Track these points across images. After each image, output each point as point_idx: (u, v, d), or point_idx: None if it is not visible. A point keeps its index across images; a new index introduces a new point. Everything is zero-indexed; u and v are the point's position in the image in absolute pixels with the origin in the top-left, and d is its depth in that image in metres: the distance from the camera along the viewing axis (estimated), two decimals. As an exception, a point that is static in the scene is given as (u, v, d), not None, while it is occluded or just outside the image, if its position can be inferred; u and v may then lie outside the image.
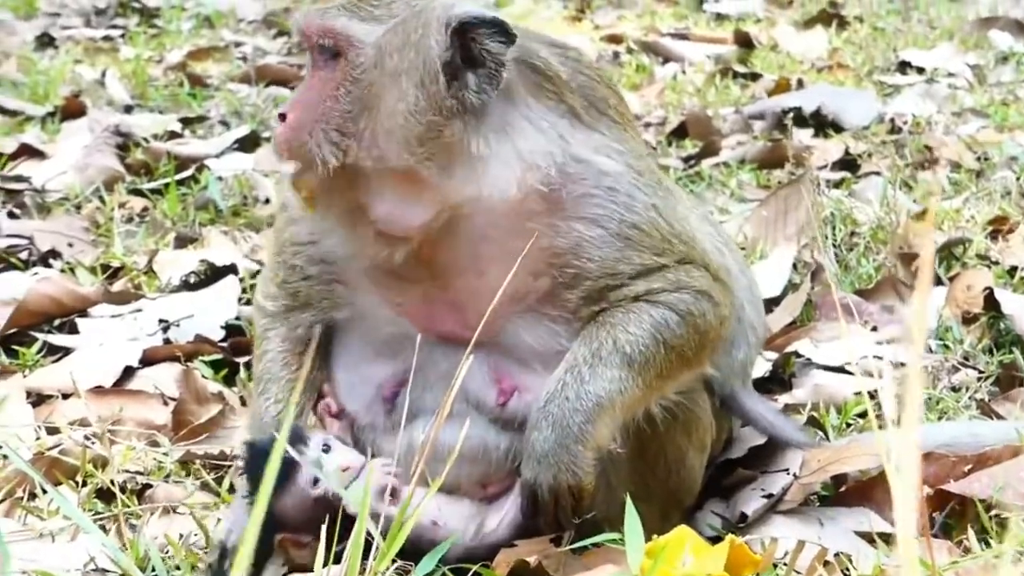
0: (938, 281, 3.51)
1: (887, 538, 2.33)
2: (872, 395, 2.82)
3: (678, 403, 2.28)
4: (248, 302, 3.42)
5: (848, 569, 2.25)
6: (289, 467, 2.14)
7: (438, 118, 2.08)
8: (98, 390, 2.98)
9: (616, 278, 2.18)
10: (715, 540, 2.23)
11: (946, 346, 3.23)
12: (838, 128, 5.12)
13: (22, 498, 2.53)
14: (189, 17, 7.16)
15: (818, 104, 5.17)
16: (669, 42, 6.55)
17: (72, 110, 5.20)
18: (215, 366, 3.15)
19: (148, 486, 2.62)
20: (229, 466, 2.68)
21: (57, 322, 3.35)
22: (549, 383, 2.16)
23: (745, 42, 6.53)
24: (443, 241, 2.16)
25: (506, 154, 2.13)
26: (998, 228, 3.87)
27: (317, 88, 2.12)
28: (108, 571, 2.28)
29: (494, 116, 2.12)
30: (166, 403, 2.95)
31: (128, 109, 5.42)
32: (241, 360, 3.14)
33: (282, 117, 2.14)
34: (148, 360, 3.15)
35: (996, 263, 3.67)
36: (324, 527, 1.87)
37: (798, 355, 3.18)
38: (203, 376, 3.06)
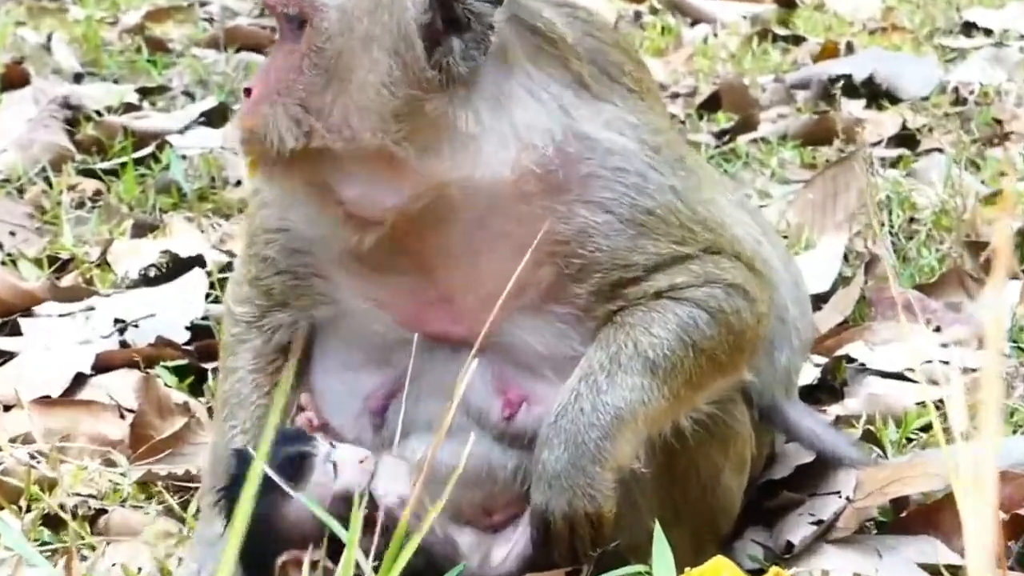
0: (1012, 274, 3.50)
1: (955, 571, 2.33)
2: (937, 405, 2.81)
3: (711, 415, 2.27)
4: (217, 299, 3.41)
5: (910, 606, 2.25)
6: (299, 466, 2.13)
7: (417, 91, 2.07)
8: (44, 401, 2.97)
9: (630, 270, 2.18)
10: (756, 573, 2.21)
11: (1021, 349, 3.22)
12: (894, 99, 5.11)
13: (-43, 525, 2.53)
14: (148, -28, 7.16)
15: (870, 71, 5.16)
16: (699, 0, 6.54)
17: (13, 79, 5.18)
18: (179, 373, 3.14)
19: (102, 511, 2.61)
20: (196, 488, 2.67)
21: (-3, 322, 3.35)
22: (561, 394, 2.16)
23: (787, 0, 6.52)
24: (428, 226, 2.16)
25: (501, 131, 2.12)
26: (1081, 212, 3.87)
27: (281, 60, 2.12)
28: (56, 609, 2.28)
29: (487, 86, 2.12)
30: (123, 416, 2.95)
31: (78, 78, 5.41)
32: (209, 366, 3.13)
33: (247, 92, 2.14)
34: (102, 366, 3.14)
35: (1080, 253, 3.66)
36: (342, 528, 1.86)
37: (850, 359, 3.17)
38: (166, 384, 3.06)
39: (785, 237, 3.73)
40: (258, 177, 2.17)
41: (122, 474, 2.75)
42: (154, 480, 2.73)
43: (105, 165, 4.43)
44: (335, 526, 1.73)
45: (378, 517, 2.05)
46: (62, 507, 2.58)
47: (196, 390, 3.11)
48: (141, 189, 4.26)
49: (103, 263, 3.73)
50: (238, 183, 4.32)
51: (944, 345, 3.19)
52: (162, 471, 2.74)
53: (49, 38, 5.80)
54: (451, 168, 2.11)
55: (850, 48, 5.68)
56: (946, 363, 3.03)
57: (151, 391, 2.95)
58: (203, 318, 3.36)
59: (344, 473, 2.13)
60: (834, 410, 2.99)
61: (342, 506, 2.08)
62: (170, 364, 3.16)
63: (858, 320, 3.40)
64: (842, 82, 5.16)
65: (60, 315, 3.35)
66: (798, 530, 2.44)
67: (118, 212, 4.08)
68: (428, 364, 2.22)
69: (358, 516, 1.66)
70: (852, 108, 5.03)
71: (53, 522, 2.56)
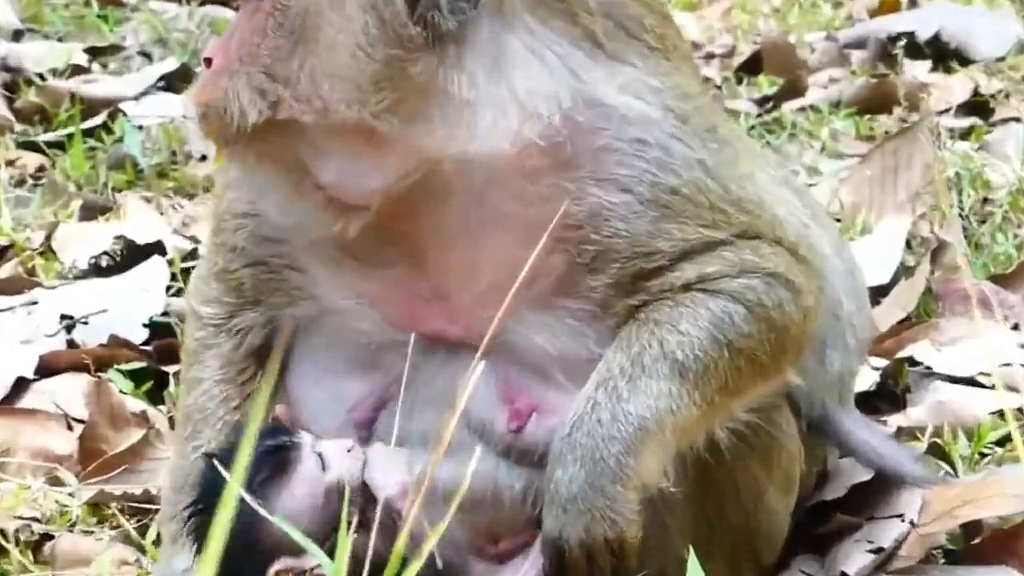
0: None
1: (1036, 606, 2.33)
2: (1016, 415, 2.81)
3: (752, 425, 2.27)
4: (179, 292, 3.42)
5: (984, 648, 2.25)
6: (282, 459, 2.14)
7: (398, 51, 2.07)
8: (-20, 409, 2.99)
9: (653, 259, 2.18)
10: (805, 609, 2.22)
11: (1113, 350, 3.22)
12: (964, 60, 5.10)
13: None
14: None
15: (937, 28, 5.16)
16: (737, -55, 6.54)
17: (-59, 37, 5.21)
18: (136, 377, 3.15)
19: (48, 537, 2.62)
20: (156, 510, 2.68)
21: (-75, 319, 3.37)
22: (576, 402, 2.16)
23: (839, -56, 6.52)
24: (419, 210, 2.16)
25: (500, 97, 2.12)
26: None
27: (244, 22, 2.12)
28: (-5, 649, 2.29)
29: (481, 44, 2.11)
30: (71, 426, 2.95)
31: (17, 35, 5.42)
32: (170, 369, 3.15)
33: (207, 62, 2.14)
34: (47, 369, 3.15)
35: None
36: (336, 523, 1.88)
37: (914, 362, 3.17)
38: (120, 390, 3.06)
39: (838, 220, 3.72)
40: (222, 158, 2.17)
41: (70, 494, 2.75)
42: (107, 501, 2.74)
43: (49, 137, 4.44)
44: (313, 548, 1.73)
45: (375, 514, 2.05)
46: (1, 532, 2.58)
47: (155, 397, 3.12)
48: (91, 165, 4.27)
49: (47, 250, 3.74)
50: (203, 158, 4.33)
51: (1023, 345, 3.19)
52: (116, 491, 2.75)
53: (-18, -10, 5.82)
54: (443, 142, 2.11)
55: (913, 1, 5.67)
56: (1026, 366, 3.04)
57: (103, 398, 2.95)
58: (163, 314, 3.37)
59: (334, 464, 2.14)
60: (895, 420, 2.99)
61: (337, 501, 2.09)
62: (125, 367, 3.17)
63: (923, 316, 3.40)
64: (904, 41, 5.16)
65: (-2, 310, 3.37)
66: (854, 559, 2.44)
67: (64, 191, 4.09)
68: (421, 369, 2.22)
69: (349, 511, 1.66)
70: (916, 71, 5.02)
71: (-9, 549, 2.58)
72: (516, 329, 2.20)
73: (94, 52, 5.20)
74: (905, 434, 2.92)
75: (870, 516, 2.53)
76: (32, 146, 4.40)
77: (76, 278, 3.59)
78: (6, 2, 5.69)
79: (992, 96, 4.76)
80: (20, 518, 2.67)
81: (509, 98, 2.12)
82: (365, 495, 2.12)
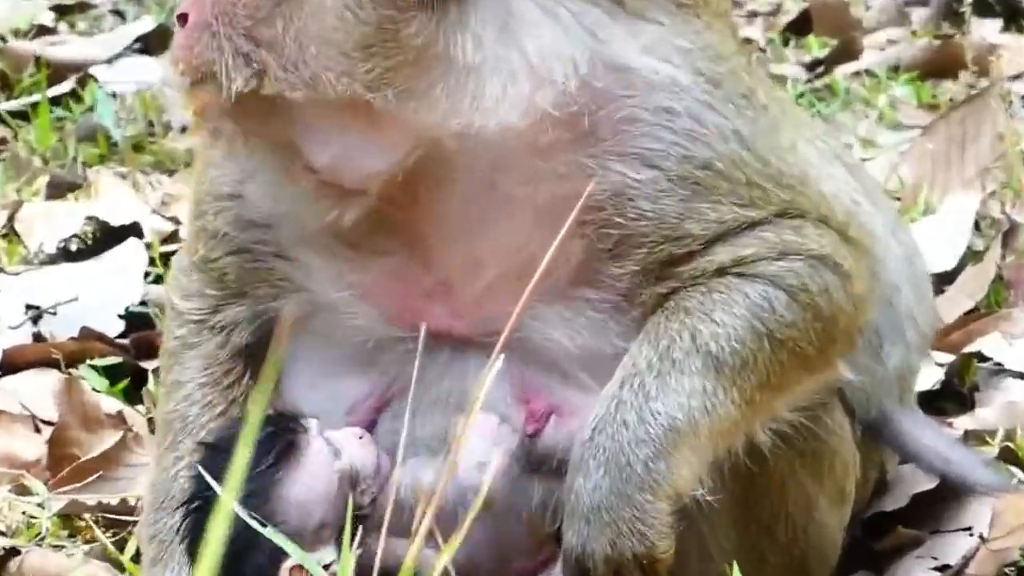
0: None
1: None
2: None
3: (798, 427, 2.28)
4: (158, 279, 3.43)
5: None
6: (289, 444, 2.16)
7: (390, 11, 2.07)
8: (-62, 410, 3.00)
9: (683, 243, 2.18)
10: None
11: None
12: (1040, 18, 5.11)
13: None
14: None
15: (1010, -19, 5.16)
16: None
17: None
18: (111, 373, 3.16)
19: (14, 552, 2.62)
20: (134, 522, 2.69)
21: None
22: (599, 402, 2.16)
23: None
24: (419, 193, 2.16)
25: (508, 61, 2.11)
26: None
27: None
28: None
29: (486, 2, 2.11)
30: (38, 429, 2.97)
31: (-24, -7, 5.44)
32: (149, 365, 3.16)
33: (181, 19, 2.13)
34: (11, 365, 3.17)
35: None
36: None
37: (983, 358, 3.18)
38: (94, 389, 3.08)
39: (897, 199, 3.72)
40: (203, 134, 2.18)
41: (39, 504, 2.77)
42: (80, 512, 2.75)
43: (11, 105, 4.45)
44: (309, 562, 1.75)
45: (386, 510, 2.06)
46: (-38, 546, 2.61)
47: (132, 396, 3.13)
48: (58, 137, 4.28)
49: (10, 232, 3.75)
50: (183, 129, 4.33)
51: (1105, 339, 3.21)
52: (90, 500, 2.76)
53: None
54: (445, 116, 2.10)
55: (982, -49, 5.66)
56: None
57: (75, 397, 2.96)
58: (141, 303, 3.39)
59: (346, 450, 2.17)
60: (962, 423, 3.00)
61: (350, 488, 2.12)
62: (99, 362, 3.19)
63: (993, 306, 3.41)
64: (972, -4, 5.15)
65: (-44, 300, 3.40)
66: (916, 578, 2.46)
67: (29, 166, 4.10)
68: (426, 368, 2.21)
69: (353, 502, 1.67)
70: (984, 31, 5.01)
71: (-49, 565, 2.60)
72: (531, 324, 2.20)
73: (61, 10, 5.22)
74: (973, 438, 2.92)
75: (935, 529, 2.54)
76: (-7, 116, 4.42)
77: (43, 263, 3.60)
78: (-37, -45, 5.73)
79: (1072, 59, 4.75)
80: (-17, 531, 2.71)
81: (519, 63, 2.12)
82: (379, 484, 2.14)
